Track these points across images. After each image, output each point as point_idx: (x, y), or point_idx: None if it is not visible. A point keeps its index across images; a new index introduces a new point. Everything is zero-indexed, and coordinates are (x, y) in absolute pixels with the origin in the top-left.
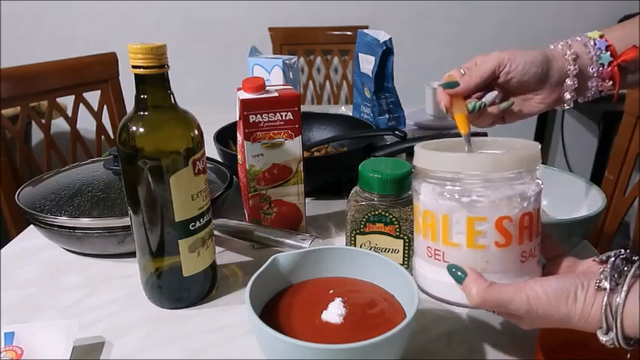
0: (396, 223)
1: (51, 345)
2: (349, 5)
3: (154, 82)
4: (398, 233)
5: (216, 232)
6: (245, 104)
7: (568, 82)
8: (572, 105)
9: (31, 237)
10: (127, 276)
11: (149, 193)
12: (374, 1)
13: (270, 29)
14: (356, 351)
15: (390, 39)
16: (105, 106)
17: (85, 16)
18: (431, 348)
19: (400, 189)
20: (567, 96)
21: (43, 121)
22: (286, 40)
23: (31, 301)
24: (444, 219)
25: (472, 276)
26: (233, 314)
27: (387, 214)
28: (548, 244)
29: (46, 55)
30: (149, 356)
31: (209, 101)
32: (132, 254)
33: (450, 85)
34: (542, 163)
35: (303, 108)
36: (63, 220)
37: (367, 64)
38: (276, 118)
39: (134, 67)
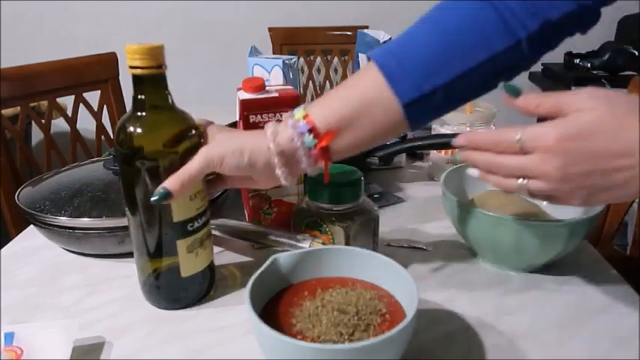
0: (329, 234)
1: (51, 345)
2: (349, 5)
3: (152, 82)
4: (332, 244)
5: (216, 232)
6: (245, 104)
7: (277, 172)
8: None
9: (31, 237)
10: (127, 276)
11: (147, 194)
12: (374, 1)
13: (270, 29)
14: (356, 351)
15: (390, 39)
16: (105, 106)
17: (85, 16)
18: (431, 348)
19: (341, 199)
20: (283, 181)
21: (43, 121)
22: (286, 40)
23: (31, 301)
24: None
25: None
26: (233, 314)
27: (321, 223)
28: None
29: (46, 55)
30: (149, 356)
31: (209, 101)
32: (132, 254)
33: (161, 196)
34: None
35: None
36: (63, 220)
37: None
38: (276, 118)
39: (131, 67)
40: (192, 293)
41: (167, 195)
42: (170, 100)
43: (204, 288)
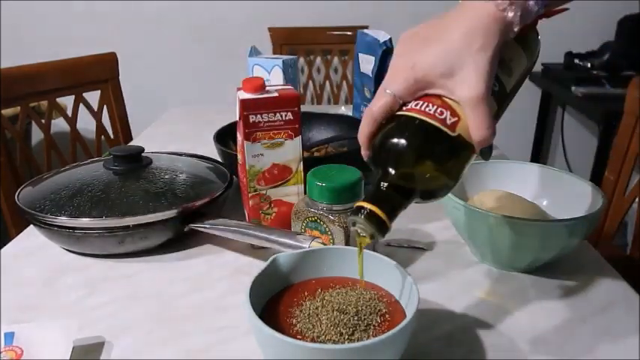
0: (329, 234)
1: (51, 345)
2: (349, 5)
3: None
4: (332, 244)
5: (215, 232)
6: (245, 104)
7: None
8: None
9: (31, 237)
10: (127, 276)
11: None
12: (374, 1)
13: (270, 29)
14: (356, 351)
15: (390, 39)
16: (105, 106)
17: (85, 16)
18: (431, 348)
19: (341, 199)
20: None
21: (43, 121)
22: (286, 40)
23: (31, 301)
24: None
25: None
26: (233, 314)
27: (322, 223)
28: None
29: (46, 55)
30: (149, 356)
31: (209, 101)
32: (132, 254)
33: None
34: (542, 163)
35: (303, 108)
36: (63, 220)
37: (367, 64)
38: (276, 118)
39: None
40: None
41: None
42: None
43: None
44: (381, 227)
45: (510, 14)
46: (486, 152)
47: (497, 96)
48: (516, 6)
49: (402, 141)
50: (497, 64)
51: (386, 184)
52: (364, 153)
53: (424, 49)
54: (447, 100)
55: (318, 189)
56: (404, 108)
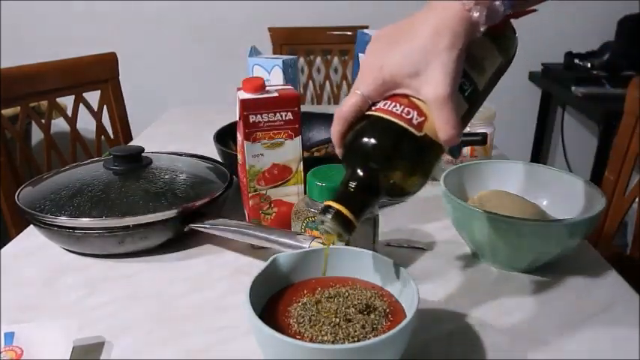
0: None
1: (51, 345)
2: (349, 5)
3: None
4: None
5: (215, 232)
6: (245, 104)
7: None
8: None
9: (31, 237)
10: (127, 276)
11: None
12: (374, 1)
13: (270, 29)
14: (356, 351)
15: None
16: (105, 106)
17: (85, 16)
18: (431, 348)
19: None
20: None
21: (43, 121)
22: (286, 40)
23: (31, 301)
24: None
25: None
26: (233, 314)
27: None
28: None
29: (46, 55)
30: (149, 356)
31: (209, 101)
32: (132, 254)
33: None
34: (543, 163)
35: (303, 108)
36: (63, 220)
37: None
38: (276, 118)
39: None
40: None
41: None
42: None
43: None
44: (348, 227)
45: (476, 14)
46: (455, 150)
47: (469, 95)
48: (482, 6)
49: (369, 140)
50: (466, 63)
51: (354, 184)
52: (338, 152)
53: (392, 50)
54: (414, 99)
55: (319, 189)
56: (373, 108)
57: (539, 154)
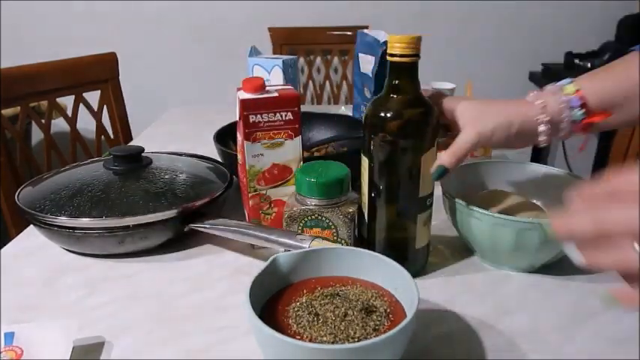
0: (333, 227)
1: (51, 345)
2: (349, 5)
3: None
4: (335, 238)
5: (215, 232)
6: (245, 104)
7: (541, 138)
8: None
9: (31, 237)
10: (127, 276)
11: (403, 170)
12: (374, 1)
13: (270, 29)
14: (356, 351)
15: None
16: (105, 106)
17: (85, 16)
18: (431, 348)
19: (335, 192)
20: (542, 144)
21: (43, 121)
22: (286, 40)
23: (31, 301)
24: None
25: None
26: (233, 314)
27: (323, 219)
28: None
29: (46, 55)
30: (149, 356)
31: (209, 101)
32: (132, 254)
33: (440, 174)
34: (543, 163)
35: (303, 108)
36: (63, 220)
37: (367, 64)
38: (276, 118)
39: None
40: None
41: (445, 171)
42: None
43: (426, 260)
44: None
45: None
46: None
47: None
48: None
49: None
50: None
51: None
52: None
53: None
54: None
55: (317, 185)
56: None
57: (539, 154)
